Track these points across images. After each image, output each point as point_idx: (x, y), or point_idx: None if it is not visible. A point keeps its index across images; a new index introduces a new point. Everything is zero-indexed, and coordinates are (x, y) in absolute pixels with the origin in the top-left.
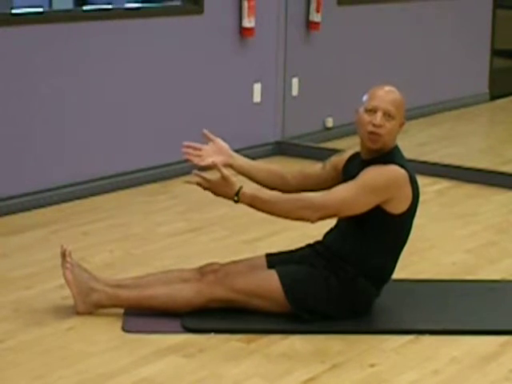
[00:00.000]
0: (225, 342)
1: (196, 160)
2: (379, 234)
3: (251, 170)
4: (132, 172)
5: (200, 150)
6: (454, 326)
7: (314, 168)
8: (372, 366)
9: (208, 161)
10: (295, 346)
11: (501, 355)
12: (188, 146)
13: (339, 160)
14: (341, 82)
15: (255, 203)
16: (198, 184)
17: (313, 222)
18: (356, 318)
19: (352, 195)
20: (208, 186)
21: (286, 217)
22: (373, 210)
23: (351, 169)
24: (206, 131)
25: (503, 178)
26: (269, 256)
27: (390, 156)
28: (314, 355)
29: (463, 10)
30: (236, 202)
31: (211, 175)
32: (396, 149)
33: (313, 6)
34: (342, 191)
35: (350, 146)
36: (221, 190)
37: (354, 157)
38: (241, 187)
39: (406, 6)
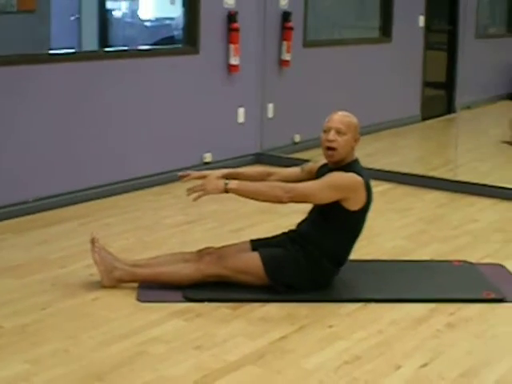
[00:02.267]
0: (216, 308)
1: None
2: (339, 225)
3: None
4: (144, 177)
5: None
6: (394, 296)
7: (293, 170)
8: (330, 326)
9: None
10: (271, 311)
11: (430, 318)
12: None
13: (314, 166)
14: (306, 107)
15: (241, 187)
16: (195, 189)
17: (284, 201)
18: (318, 290)
19: (317, 187)
20: (203, 187)
21: (264, 196)
22: (335, 207)
23: (321, 174)
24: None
25: (432, 181)
26: (253, 241)
27: (350, 166)
28: (285, 319)
29: (402, 51)
30: (226, 187)
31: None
32: (356, 161)
33: (284, 47)
34: (311, 183)
35: (313, 156)
36: (212, 183)
37: (325, 165)
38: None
39: (356, 48)
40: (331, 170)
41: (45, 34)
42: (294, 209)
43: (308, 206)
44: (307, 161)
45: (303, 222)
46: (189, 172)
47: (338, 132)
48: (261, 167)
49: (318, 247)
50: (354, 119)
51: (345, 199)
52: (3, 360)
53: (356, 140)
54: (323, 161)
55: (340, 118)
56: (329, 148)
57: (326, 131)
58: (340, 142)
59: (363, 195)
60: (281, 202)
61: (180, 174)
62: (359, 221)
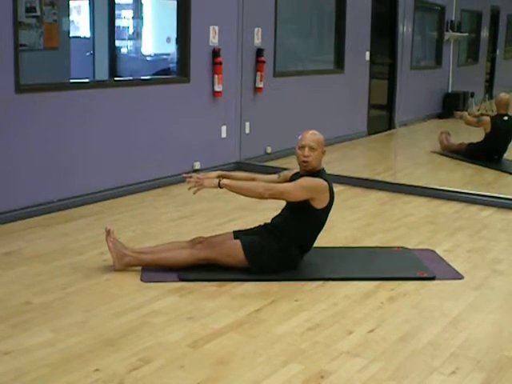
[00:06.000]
0: (205, 286)
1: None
2: (306, 220)
3: (228, 177)
4: (147, 181)
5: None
6: (347, 275)
7: (272, 176)
8: (296, 300)
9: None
10: (249, 289)
11: (375, 293)
12: (189, 177)
13: (288, 174)
14: (276, 125)
15: (231, 184)
16: (195, 184)
17: (265, 197)
18: (287, 271)
19: (291, 187)
20: (201, 182)
21: (250, 192)
22: (304, 205)
23: (294, 180)
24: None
25: (376, 183)
26: (235, 232)
27: (318, 173)
28: (260, 294)
29: (352, 80)
30: (220, 183)
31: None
32: (323, 170)
33: (258, 77)
34: (287, 184)
35: (282, 164)
36: (209, 180)
37: (297, 173)
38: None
39: (315, 78)
40: (302, 176)
41: (66, 67)
42: (267, 206)
43: (279, 205)
44: (277, 168)
45: (277, 216)
46: (191, 174)
47: (311, 148)
48: (245, 173)
49: (289, 237)
50: (321, 136)
51: (312, 199)
52: (32, 329)
53: (323, 152)
54: (295, 170)
55: (311, 136)
56: (304, 161)
57: (301, 148)
58: (313, 156)
59: (327, 196)
60: (262, 197)
61: (184, 175)
62: (323, 217)
